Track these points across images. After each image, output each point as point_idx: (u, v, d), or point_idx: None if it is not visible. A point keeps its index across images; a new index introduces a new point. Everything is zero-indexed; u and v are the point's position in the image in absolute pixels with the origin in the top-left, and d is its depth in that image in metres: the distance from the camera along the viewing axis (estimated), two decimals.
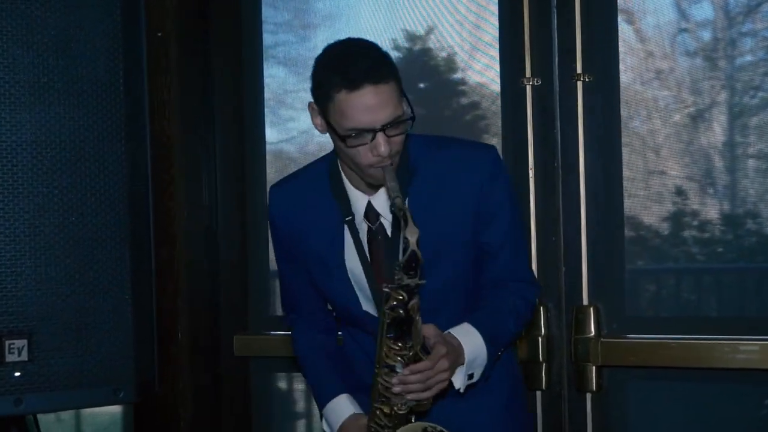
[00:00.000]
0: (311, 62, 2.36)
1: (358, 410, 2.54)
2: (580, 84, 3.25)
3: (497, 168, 2.48)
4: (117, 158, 2.34)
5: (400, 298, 2.21)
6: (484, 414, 2.52)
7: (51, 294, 2.28)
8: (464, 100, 3.54)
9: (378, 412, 2.38)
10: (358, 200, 2.47)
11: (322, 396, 2.62)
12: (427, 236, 2.23)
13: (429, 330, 2.29)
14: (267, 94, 3.77)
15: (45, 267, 2.28)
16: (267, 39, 3.79)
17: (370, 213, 2.46)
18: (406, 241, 2.15)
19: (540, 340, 3.29)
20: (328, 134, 2.37)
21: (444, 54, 3.55)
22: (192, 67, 3.71)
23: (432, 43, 3.55)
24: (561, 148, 3.28)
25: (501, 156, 2.57)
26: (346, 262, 2.49)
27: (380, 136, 2.24)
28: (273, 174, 3.74)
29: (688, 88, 3.20)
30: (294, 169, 2.71)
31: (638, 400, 3.29)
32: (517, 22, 3.34)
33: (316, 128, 2.39)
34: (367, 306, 2.50)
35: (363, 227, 2.47)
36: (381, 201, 2.44)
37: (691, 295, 3.37)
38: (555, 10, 3.27)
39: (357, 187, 2.46)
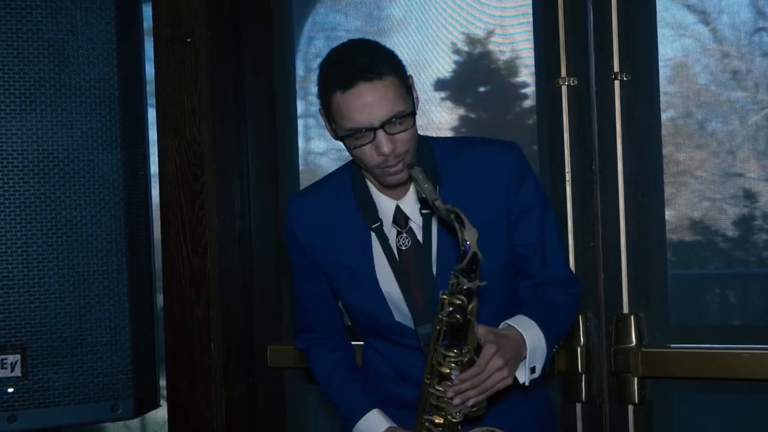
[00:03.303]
0: None
1: (392, 424, 2.44)
2: (617, 83, 3.13)
3: (522, 166, 2.42)
4: (113, 167, 2.31)
5: (458, 302, 2.16)
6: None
7: (44, 308, 2.25)
8: (527, 104, 3.44)
9: (428, 424, 2.29)
10: (386, 205, 2.40)
11: (350, 413, 2.52)
12: None
13: (481, 329, 2.21)
14: None
15: (38, 280, 2.26)
16: None
17: (399, 218, 2.39)
18: (465, 243, 2.12)
19: (579, 350, 3.18)
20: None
21: (505, 57, 3.45)
22: (223, 73, 3.65)
23: (493, 46, 3.47)
24: (598, 150, 3.16)
25: (525, 154, 2.48)
26: (376, 270, 2.40)
27: (381, 134, 2.19)
28: (307, 180, 3.67)
29: (765, 89, 3.09)
30: None
31: (683, 413, 3.19)
32: (551, 20, 3.23)
33: (331, 135, 2.34)
34: (399, 317, 2.41)
35: (392, 233, 2.40)
36: (410, 204, 2.37)
37: (756, 301, 3.25)
38: (591, 6, 3.16)
39: (383, 192, 2.39)
